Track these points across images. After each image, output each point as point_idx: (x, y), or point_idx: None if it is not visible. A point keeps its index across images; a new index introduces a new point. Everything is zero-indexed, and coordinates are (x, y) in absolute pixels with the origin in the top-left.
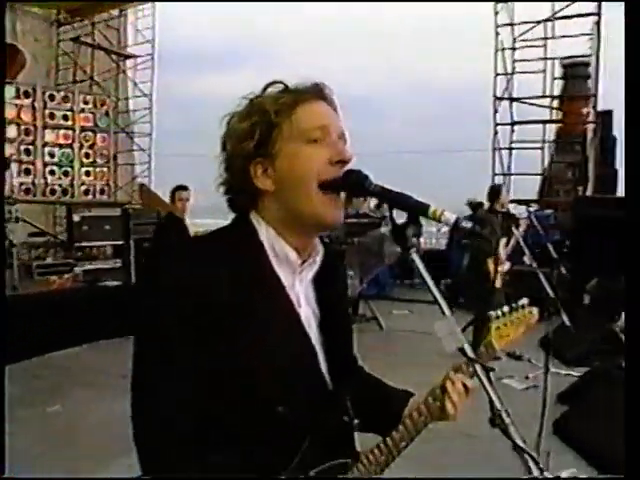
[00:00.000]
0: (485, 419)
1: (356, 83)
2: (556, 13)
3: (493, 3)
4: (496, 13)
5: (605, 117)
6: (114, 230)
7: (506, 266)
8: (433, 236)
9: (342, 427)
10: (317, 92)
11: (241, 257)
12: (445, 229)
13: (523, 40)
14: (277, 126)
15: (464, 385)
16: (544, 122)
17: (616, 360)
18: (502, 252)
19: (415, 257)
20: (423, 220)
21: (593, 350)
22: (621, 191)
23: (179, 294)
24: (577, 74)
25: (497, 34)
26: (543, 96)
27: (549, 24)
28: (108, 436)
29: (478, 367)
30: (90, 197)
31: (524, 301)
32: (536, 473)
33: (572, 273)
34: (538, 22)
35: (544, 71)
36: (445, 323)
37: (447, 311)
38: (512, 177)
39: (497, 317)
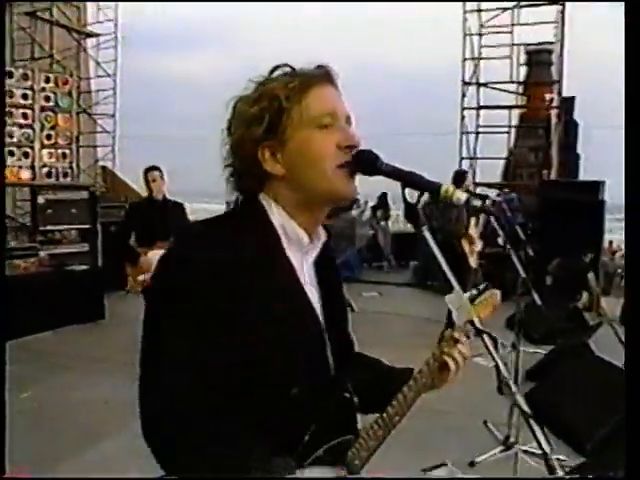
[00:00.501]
0: (456, 395)
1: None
2: (522, 0)
3: None
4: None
5: (567, 103)
6: (80, 214)
7: (479, 246)
8: (400, 219)
9: (345, 405)
10: (325, 76)
11: (254, 239)
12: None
13: (490, 26)
14: (287, 111)
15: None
16: (509, 107)
17: (580, 337)
18: (473, 232)
19: (427, 234)
20: (392, 204)
21: (558, 328)
22: (583, 175)
23: (197, 276)
24: (540, 61)
25: (465, 20)
26: (509, 82)
27: (515, 11)
28: (83, 422)
29: (486, 337)
30: (53, 180)
31: (485, 284)
32: (544, 444)
33: (537, 254)
34: (504, 9)
35: (510, 57)
36: (455, 297)
37: (456, 286)
38: (478, 161)
39: (472, 299)
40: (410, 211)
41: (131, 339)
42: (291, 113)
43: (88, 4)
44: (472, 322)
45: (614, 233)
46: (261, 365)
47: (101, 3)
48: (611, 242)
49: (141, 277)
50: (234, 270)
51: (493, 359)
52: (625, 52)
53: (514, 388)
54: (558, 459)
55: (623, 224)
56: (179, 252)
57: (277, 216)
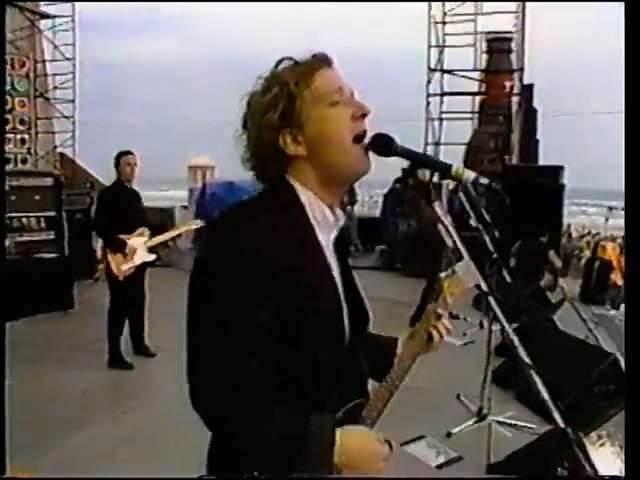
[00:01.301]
0: (429, 373)
1: (282, 52)
2: None
3: None
4: None
5: (526, 90)
6: (44, 201)
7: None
8: (366, 204)
9: (359, 371)
10: (325, 61)
11: (289, 224)
12: (379, 194)
13: (454, 15)
14: (298, 95)
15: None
16: (471, 94)
17: (544, 315)
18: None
19: (438, 209)
20: (358, 189)
21: (523, 307)
22: (542, 160)
23: (247, 254)
24: (500, 49)
25: (430, 7)
26: (472, 69)
27: (478, 2)
28: (60, 411)
29: (491, 299)
30: (11, 166)
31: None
32: (544, 393)
33: (500, 236)
34: None
35: (474, 45)
36: (465, 264)
37: (465, 255)
38: (442, 147)
39: (445, 278)
40: (422, 189)
41: (102, 328)
42: (303, 96)
43: None
44: (479, 286)
45: (572, 216)
46: (294, 334)
47: None
48: (569, 225)
49: (126, 266)
50: (275, 249)
51: (497, 318)
52: (625, 52)
53: (516, 342)
54: (529, 427)
55: (580, 208)
56: (231, 231)
57: (304, 196)
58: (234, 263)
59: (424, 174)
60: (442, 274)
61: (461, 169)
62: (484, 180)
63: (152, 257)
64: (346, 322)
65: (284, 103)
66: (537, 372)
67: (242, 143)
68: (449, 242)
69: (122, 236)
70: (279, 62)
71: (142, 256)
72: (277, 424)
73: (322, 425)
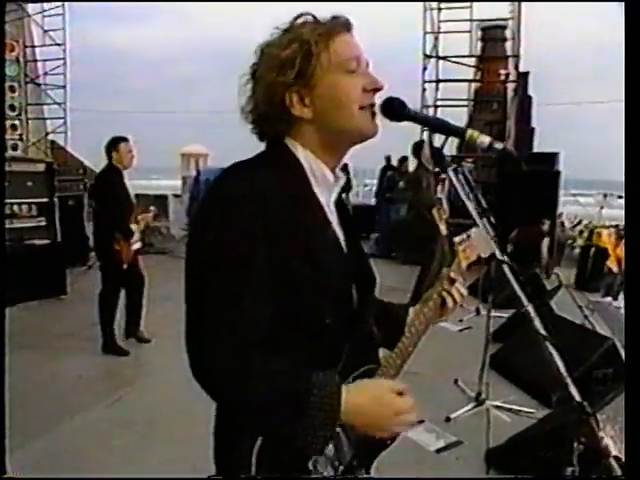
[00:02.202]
0: (427, 358)
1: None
2: None
3: None
4: None
5: (522, 78)
6: (37, 187)
7: (446, 212)
8: (360, 192)
9: (369, 337)
10: (345, 25)
11: (285, 179)
12: (373, 182)
13: (448, 1)
14: (316, 56)
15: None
16: (466, 81)
17: (540, 300)
18: (441, 197)
19: (452, 175)
20: (353, 177)
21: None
22: (537, 147)
23: (246, 214)
24: (494, 37)
25: None
26: (468, 55)
27: None
28: (52, 398)
29: (506, 267)
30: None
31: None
32: (560, 364)
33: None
34: None
35: (470, 32)
36: (479, 231)
37: (480, 222)
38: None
39: (460, 242)
40: (436, 154)
41: (95, 314)
42: (320, 58)
43: None
44: (494, 254)
45: (565, 206)
46: (298, 297)
47: None
48: (561, 214)
49: (129, 252)
50: (273, 209)
51: (513, 287)
52: (625, 52)
53: (533, 314)
54: (527, 412)
55: (573, 197)
56: (230, 190)
57: (304, 157)
58: (229, 214)
59: (427, 156)
60: (456, 238)
61: (476, 133)
62: (499, 145)
63: (139, 243)
64: (352, 284)
65: (301, 61)
66: (530, 360)
67: (245, 93)
68: (443, 230)
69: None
70: (298, 16)
71: (137, 241)
72: (278, 378)
73: (324, 379)
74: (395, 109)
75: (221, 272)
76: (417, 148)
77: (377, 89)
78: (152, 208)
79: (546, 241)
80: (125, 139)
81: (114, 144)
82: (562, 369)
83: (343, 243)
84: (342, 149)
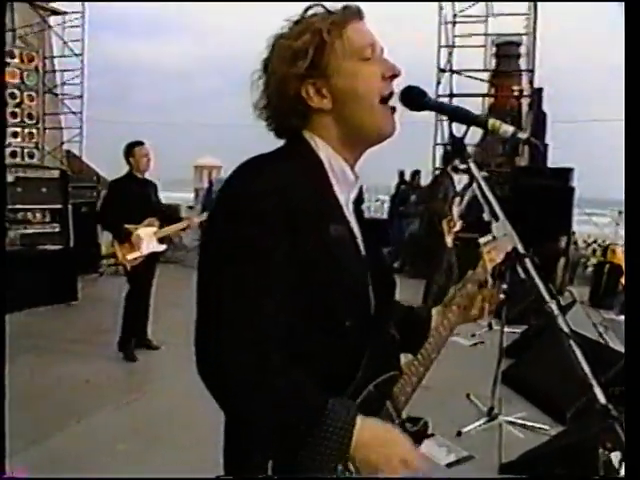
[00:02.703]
0: (439, 373)
1: None
2: None
3: None
4: None
5: (536, 93)
6: (51, 193)
7: (458, 226)
8: (372, 206)
9: (390, 342)
10: (358, 13)
11: (306, 174)
12: (385, 198)
13: (464, 16)
14: (329, 45)
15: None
16: (480, 96)
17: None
18: (455, 210)
19: (472, 165)
20: (365, 192)
21: (530, 309)
22: (551, 164)
23: (266, 211)
24: (508, 53)
25: (441, 8)
26: (483, 70)
27: (489, 2)
28: (57, 402)
29: (528, 261)
30: (18, 159)
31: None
32: (585, 365)
33: None
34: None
35: (484, 46)
36: (501, 225)
37: (501, 215)
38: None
39: (485, 244)
40: (456, 145)
41: (105, 320)
42: (334, 46)
43: None
44: (515, 249)
45: (579, 225)
46: (317, 296)
47: None
48: (574, 233)
49: (132, 255)
50: (296, 203)
51: (534, 283)
52: (625, 52)
53: (556, 311)
54: (541, 428)
55: (588, 217)
56: (253, 183)
57: (323, 152)
58: (252, 207)
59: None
60: (481, 239)
61: (498, 123)
62: (523, 134)
63: (162, 247)
64: (370, 289)
65: (314, 52)
66: (544, 376)
67: (258, 89)
68: (449, 242)
69: (129, 226)
70: (308, 8)
71: (150, 246)
72: (294, 391)
73: (340, 408)
74: (415, 98)
75: (241, 265)
76: (447, 157)
77: (395, 75)
78: (148, 220)
79: (562, 260)
80: (140, 143)
81: (130, 149)
82: (586, 369)
83: (361, 245)
84: (361, 146)
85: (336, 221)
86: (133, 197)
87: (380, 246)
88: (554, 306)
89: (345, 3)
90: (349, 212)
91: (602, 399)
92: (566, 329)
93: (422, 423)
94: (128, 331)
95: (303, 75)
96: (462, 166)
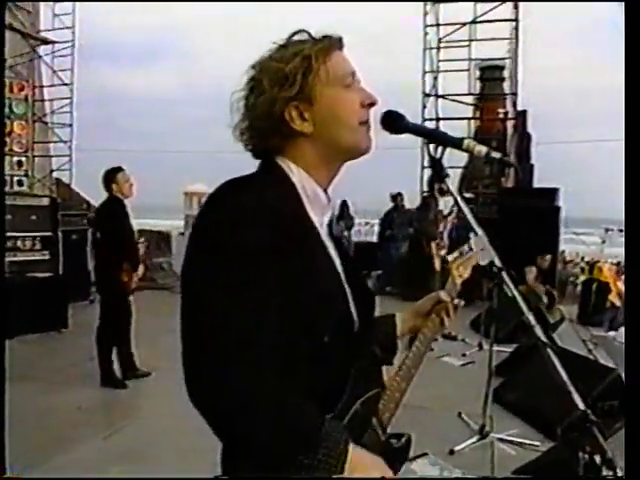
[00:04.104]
0: (430, 392)
1: None
2: (478, 17)
3: (422, 4)
4: (425, 14)
5: (520, 116)
6: (41, 221)
7: (444, 250)
8: (362, 230)
9: (373, 360)
10: (340, 42)
11: (281, 197)
12: (375, 221)
13: (448, 41)
14: (315, 71)
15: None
16: (466, 119)
17: (543, 334)
18: (444, 233)
19: (449, 185)
20: (352, 212)
21: (520, 327)
22: (537, 184)
23: (246, 232)
24: (493, 77)
25: (425, 34)
26: (467, 94)
27: (472, 27)
28: (48, 429)
29: (505, 274)
30: (7, 188)
31: (465, 247)
32: (563, 373)
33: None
34: (463, 24)
35: (468, 70)
36: (479, 240)
37: (479, 230)
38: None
39: (454, 259)
40: (435, 164)
41: (95, 348)
42: (319, 72)
43: (42, 9)
44: (493, 262)
45: (567, 244)
46: (297, 319)
47: (57, 9)
48: (562, 251)
49: (133, 281)
50: (279, 225)
51: (512, 295)
52: (625, 52)
53: (532, 322)
54: (533, 444)
55: (575, 236)
56: (239, 203)
57: (296, 176)
58: (239, 226)
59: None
60: (449, 257)
61: (472, 143)
62: (496, 154)
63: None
64: (352, 307)
65: (301, 76)
66: (534, 393)
67: (239, 110)
68: (437, 265)
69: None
70: (295, 33)
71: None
72: (289, 409)
73: (336, 430)
74: (394, 121)
75: (232, 292)
76: (433, 179)
77: (372, 104)
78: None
79: (534, 269)
80: (120, 169)
81: (112, 175)
82: (564, 377)
83: (337, 264)
84: (337, 165)
85: (313, 243)
86: (127, 223)
87: (358, 265)
88: (531, 317)
89: (327, 33)
90: (324, 234)
91: (580, 404)
92: (543, 338)
93: (405, 439)
94: (108, 365)
95: (289, 98)
96: (442, 185)
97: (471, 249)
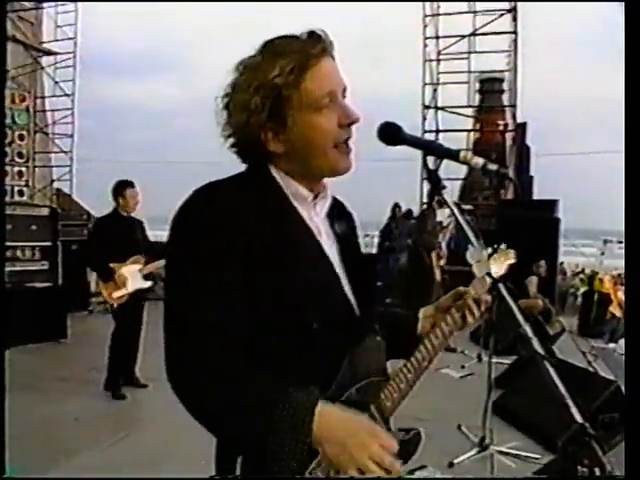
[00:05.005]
0: (430, 404)
1: None
2: (477, 30)
3: (422, 17)
4: (425, 26)
5: (519, 128)
6: (41, 231)
7: (442, 261)
8: (362, 242)
9: (375, 347)
10: (320, 51)
11: (260, 194)
12: (375, 233)
13: (447, 53)
14: (287, 98)
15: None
16: (465, 131)
17: (542, 345)
18: (443, 243)
19: (446, 196)
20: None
21: (520, 339)
22: (536, 196)
23: (219, 233)
24: (492, 89)
25: (425, 46)
26: (466, 106)
27: (471, 40)
28: (46, 440)
29: (502, 286)
30: (7, 198)
31: (502, 245)
32: (559, 384)
33: None
34: (463, 36)
35: (468, 82)
36: (475, 252)
37: (475, 242)
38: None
39: (489, 255)
40: (431, 176)
41: (94, 358)
42: (291, 99)
43: (44, 21)
44: (489, 274)
45: (567, 255)
46: (281, 305)
47: (60, 21)
48: (562, 263)
49: (118, 293)
50: (249, 219)
51: (509, 306)
52: (625, 52)
53: (530, 334)
54: (532, 457)
55: (575, 248)
56: (202, 208)
57: (278, 175)
58: (197, 226)
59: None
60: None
61: (469, 154)
62: (493, 166)
63: (148, 284)
64: (348, 292)
65: (271, 104)
66: (534, 405)
67: (223, 116)
68: (437, 276)
69: (114, 264)
70: (277, 38)
71: (136, 283)
72: (249, 386)
73: (301, 394)
74: (391, 133)
75: (191, 275)
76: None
77: (352, 122)
78: (133, 258)
79: (534, 279)
80: (131, 184)
81: (121, 189)
82: (562, 390)
83: (334, 252)
84: (315, 180)
85: (294, 232)
86: (118, 235)
87: (359, 249)
88: (528, 329)
89: (315, 33)
90: (314, 224)
91: (578, 417)
92: (540, 350)
93: (414, 433)
94: (115, 370)
95: (262, 124)
96: (439, 197)
97: (502, 249)
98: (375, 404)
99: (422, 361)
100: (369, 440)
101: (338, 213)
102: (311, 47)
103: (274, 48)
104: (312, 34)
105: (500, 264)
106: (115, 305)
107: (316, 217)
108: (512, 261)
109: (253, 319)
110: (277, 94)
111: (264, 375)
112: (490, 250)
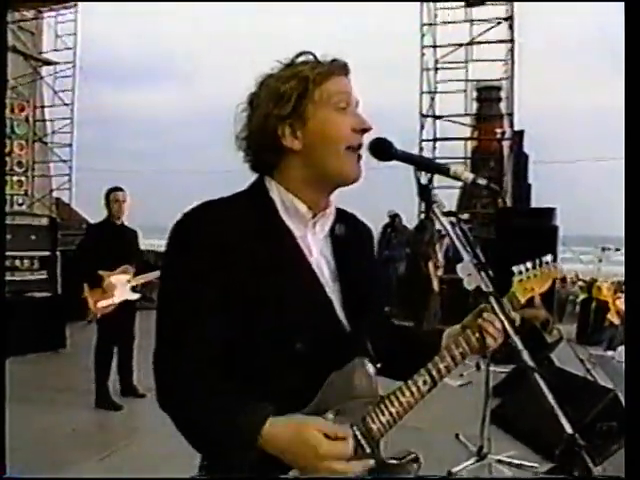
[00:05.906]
0: (428, 413)
1: None
2: (474, 39)
3: (419, 25)
4: (422, 35)
5: (517, 136)
6: (40, 240)
7: (440, 271)
8: None
9: (361, 368)
10: (343, 68)
11: (253, 213)
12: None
13: (445, 62)
14: (310, 92)
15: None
16: (463, 139)
17: (541, 354)
18: (440, 253)
19: (437, 211)
20: None
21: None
22: (534, 203)
23: (203, 252)
24: (489, 97)
25: (422, 55)
26: (464, 115)
27: (469, 48)
28: (43, 450)
29: (492, 298)
30: (7, 208)
31: (548, 258)
32: (548, 393)
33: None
34: (460, 45)
35: (465, 91)
36: (465, 266)
37: (466, 256)
38: (436, 190)
39: (520, 272)
40: (422, 191)
41: (93, 368)
42: (314, 94)
43: (44, 31)
44: (479, 287)
45: (565, 263)
46: (265, 324)
47: (60, 30)
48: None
49: (103, 302)
50: (235, 239)
51: (499, 318)
52: (625, 52)
53: (520, 346)
54: (531, 466)
55: (573, 255)
56: (189, 227)
57: (277, 192)
58: (183, 245)
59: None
60: (515, 268)
61: (460, 169)
62: (482, 180)
63: (135, 296)
64: (340, 315)
65: (296, 97)
66: (532, 414)
67: (241, 121)
68: (435, 285)
69: (102, 272)
70: (300, 54)
71: (123, 294)
72: (215, 398)
73: (258, 406)
74: (382, 149)
75: (174, 290)
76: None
77: (365, 130)
78: (122, 267)
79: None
80: (115, 189)
81: (107, 195)
82: (552, 401)
83: (326, 272)
84: (325, 188)
85: (283, 252)
86: (107, 243)
87: (370, 267)
88: (518, 340)
89: (334, 57)
90: (307, 243)
91: (568, 428)
92: (530, 362)
93: (408, 459)
94: (102, 383)
95: (284, 116)
96: (429, 213)
97: (546, 263)
98: (358, 426)
99: (423, 385)
100: (313, 455)
101: (344, 231)
102: (335, 63)
103: (303, 57)
104: (334, 59)
105: (545, 280)
106: (98, 315)
107: (311, 236)
108: (558, 276)
109: (235, 338)
110: (304, 87)
111: (230, 394)
112: (530, 264)
